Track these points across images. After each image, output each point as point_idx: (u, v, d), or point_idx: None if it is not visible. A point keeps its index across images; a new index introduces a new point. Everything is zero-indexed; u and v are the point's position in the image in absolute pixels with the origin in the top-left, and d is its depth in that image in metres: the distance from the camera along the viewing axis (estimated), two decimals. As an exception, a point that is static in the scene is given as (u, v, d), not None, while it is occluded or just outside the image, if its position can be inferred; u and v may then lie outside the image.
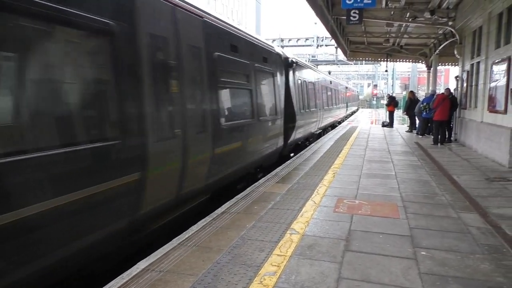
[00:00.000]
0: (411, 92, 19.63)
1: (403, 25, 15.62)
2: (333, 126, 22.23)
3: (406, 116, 20.44)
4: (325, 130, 19.40)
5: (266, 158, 9.07)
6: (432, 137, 13.32)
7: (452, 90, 14.19)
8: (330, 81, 21.67)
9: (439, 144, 12.75)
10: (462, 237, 4.35)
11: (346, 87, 34.13)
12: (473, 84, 12.07)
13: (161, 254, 3.81)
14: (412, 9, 12.89)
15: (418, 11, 12.98)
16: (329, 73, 31.38)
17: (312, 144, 13.15)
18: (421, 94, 28.48)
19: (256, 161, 8.26)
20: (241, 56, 7.18)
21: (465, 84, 13.16)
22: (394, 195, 6.17)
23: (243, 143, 7.30)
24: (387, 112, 22.13)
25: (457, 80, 14.63)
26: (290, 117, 10.89)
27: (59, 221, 3.12)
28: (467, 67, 12.78)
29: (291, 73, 11.33)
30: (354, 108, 45.09)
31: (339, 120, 25.92)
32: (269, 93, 9.20)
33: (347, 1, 10.22)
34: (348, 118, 32.41)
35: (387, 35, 17.93)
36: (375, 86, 62.79)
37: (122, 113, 3.84)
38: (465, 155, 10.57)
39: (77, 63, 3.51)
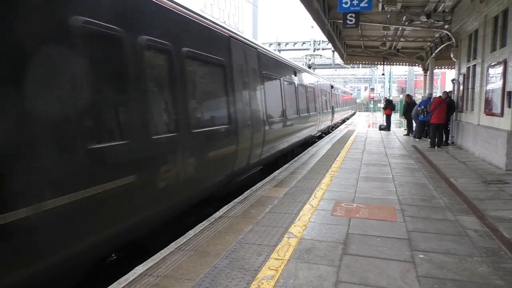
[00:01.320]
0: (408, 95, 19.65)
1: (400, 29, 15.70)
2: (304, 144, 14.21)
3: (403, 120, 20.50)
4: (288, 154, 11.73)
5: None
6: (429, 140, 13.35)
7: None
8: (294, 72, 12.30)
9: (436, 147, 12.78)
10: (460, 240, 4.35)
11: (332, 86, 23.73)
12: (470, 87, 12.12)
13: (158, 259, 3.79)
14: (408, 13, 12.96)
15: (414, 14, 13.04)
16: (310, 67, 21.37)
17: (310, 148, 13.15)
18: (418, 98, 27.42)
19: None
20: None
21: (461, 87, 13.21)
22: (391, 198, 6.18)
23: None
24: (384, 115, 22.19)
25: (453, 83, 14.69)
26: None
27: None
28: (464, 70, 12.84)
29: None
30: (347, 114, 37.25)
31: (318, 134, 17.38)
32: None
33: (344, 5, 10.26)
34: (336, 127, 25.14)
35: (384, 39, 18.00)
36: (372, 89, 63.06)
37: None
38: (462, 158, 10.60)
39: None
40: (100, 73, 3.57)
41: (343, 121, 32.21)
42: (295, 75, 12.27)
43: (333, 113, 22.19)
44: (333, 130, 22.44)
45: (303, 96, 13.20)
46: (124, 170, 3.73)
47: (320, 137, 17.71)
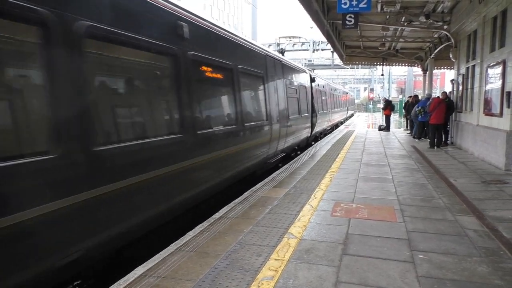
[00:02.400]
0: (415, 95, 18.97)
1: (399, 29, 15.71)
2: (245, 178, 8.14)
3: (402, 120, 20.45)
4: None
5: None
6: (429, 140, 13.37)
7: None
8: (207, 39, 5.99)
9: (435, 147, 12.79)
10: (459, 240, 4.36)
11: (313, 79, 15.88)
12: (469, 87, 12.13)
13: (158, 260, 3.80)
14: (407, 13, 12.97)
15: (413, 15, 13.06)
16: (282, 53, 15.16)
17: (309, 148, 13.16)
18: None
19: None
20: None
21: (460, 88, 13.23)
22: (391, 199, 6.18)
23: None
24: (384, 116, 22.20)
25: (452, 84, 14.71)
26: None
27: None
28: (463, 71, 12.85)
29: None
30: (341, 118, 29.80)
31: (281, 155, 10.63)
32: None
33: (343, 5, 10.27)
34: (325, 135, 19.26)
35: (383, 39, 18.01)
36: (372, 90, 63.04)
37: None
38: (461, 158, 10.61)
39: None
40: None
41: (336, 126, 26.01)
42: (206, 46, 5.89)
43: (314, 119, 15.21)
44: (317, 141, 16.48)
45: (231, 92, 6.94)
46: None
47: (286, 159, 10.97)
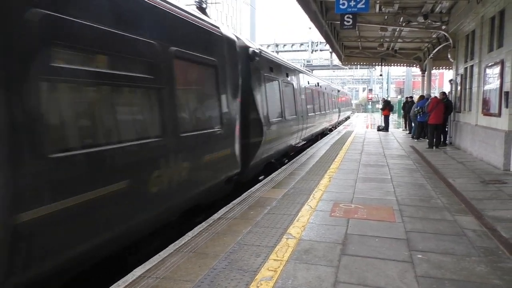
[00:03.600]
0: (421, 96, 18.69)
1: (397, 30, 15.73)
2: None
3: (401, 120, 20.47)
4: None
5: None
6: (427, 140, 13.38)
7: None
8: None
9: (434, 147, 12.81)
10: (458, 239, 4.36)
11: (250, 56, 7.83)
12: (467, 87, 12.15)
13: (157, 261, 3.79)
14: (405, 14, 12.99)
15: (412, 15, 13.08)
16: (203, 10, 7.42)
17: (308, 149, 13.16)
18: (414, 98, 25.94)
19: None
20: None
21: (459, 88, 13.25)
22: (390, 199, 6.19)
23: None
24: (382, 116, 22.22)
25: (451, 84, 14.74)
26: None
27: None
28: (461, 71, 12.87)
29: None
30: (331, 122, 22.84)
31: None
32: None
33: (341, 6, 10.26)
34: (301, 150, 12.93)
35: (381, 40, 18.05)
36: (370, 90, 63.06)
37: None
38: (460, 158, 10.62)
39: None
40: None
41: (323, 134, 19.78)
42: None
43: (258, 136, 8.07)
44: (275, 170, 9.29)
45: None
46: None
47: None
